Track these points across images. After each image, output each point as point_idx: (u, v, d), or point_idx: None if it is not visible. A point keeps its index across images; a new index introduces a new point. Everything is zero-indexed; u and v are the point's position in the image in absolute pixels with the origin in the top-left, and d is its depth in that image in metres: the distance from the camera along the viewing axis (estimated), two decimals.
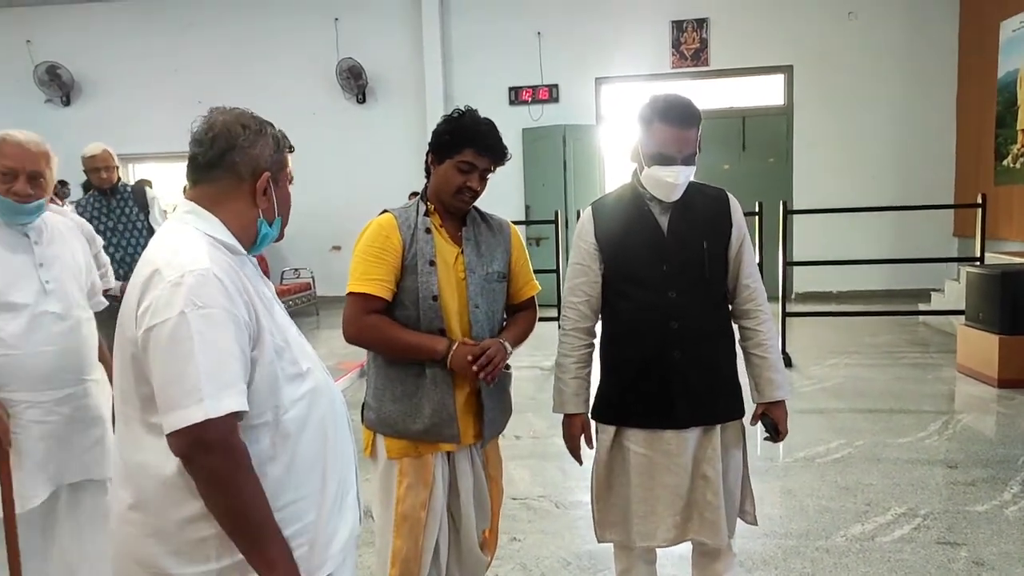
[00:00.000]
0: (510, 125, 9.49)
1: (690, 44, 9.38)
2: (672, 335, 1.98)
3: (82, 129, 8.53)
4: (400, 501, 1.97)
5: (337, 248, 9.76)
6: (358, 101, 10.06)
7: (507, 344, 1.98)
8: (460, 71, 9.83)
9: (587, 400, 2.10)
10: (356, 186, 9.70)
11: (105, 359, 2.28)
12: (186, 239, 1.30)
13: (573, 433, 2.10)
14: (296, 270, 9.95)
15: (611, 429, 2.06)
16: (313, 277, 9.72)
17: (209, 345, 1.19)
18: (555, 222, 6.53)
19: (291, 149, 1.45)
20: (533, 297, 2.18)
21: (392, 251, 1.93)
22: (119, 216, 4.11)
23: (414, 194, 2.26)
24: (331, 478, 1.41)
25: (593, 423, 2.12)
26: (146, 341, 1.20)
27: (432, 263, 1.94)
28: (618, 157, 9.69)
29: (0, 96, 10.61)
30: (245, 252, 1.39)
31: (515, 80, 9.76)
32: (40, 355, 2.08)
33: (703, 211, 2.04)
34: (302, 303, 9.34)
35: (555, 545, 3.07)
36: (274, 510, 1.26)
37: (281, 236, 1.48)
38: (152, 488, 1.25)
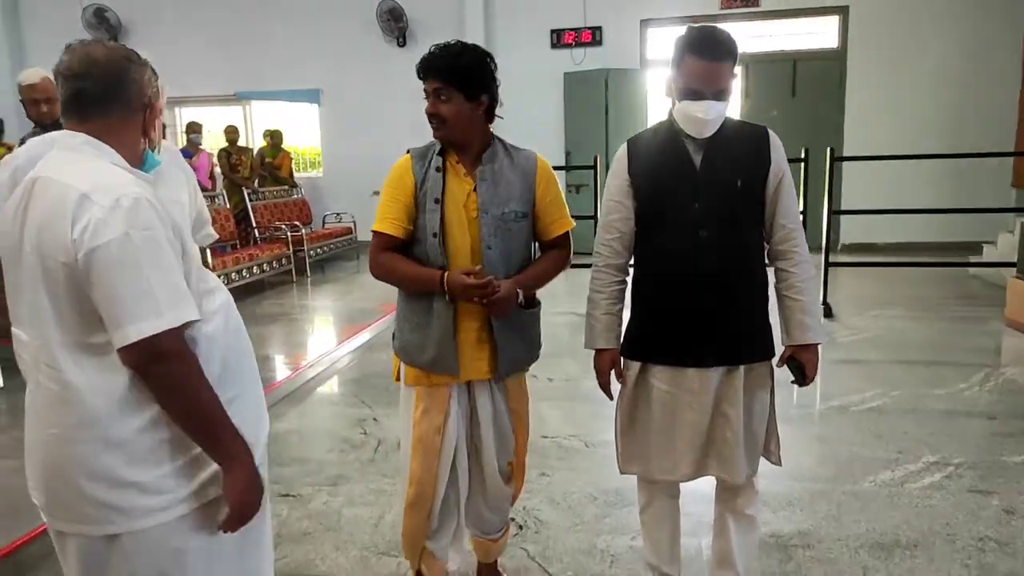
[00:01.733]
0: (551, 69, 9.35)
1: None
2: (701, 275, 1.96)
3: None
4: (416, 425, 2.06)
5: (378, 193, 9.77)
6: (399, 44, 9.97)
7: (517, 289, 1.95)
8: (502, 13, 9.64)
9: (618, 336, 2.10)
10: (397, 130, 9.62)
11: None
12: (99, 166, 1.31)
13: (603, 368, 2.11)
14: (338, 214, 10.07)
15: (636, 365, 2.08)
16: (354, 221, 9.83)
17: (158, 261, 1.26)
18: (594, 167, 6.45)
19: (156, 77, 1.47)
20: (567, 234, 2.12)
21: (404, 190, 1.99)
22: None
23: None
24: (255, 379, 1.53)
25: (621, 359, 2.14)
26: (89, 261, 1.22)
27: (437, 201, 1.96)
28: (661, 102, 9.46)
29: (48, 37, 10.80)
30: (151, 177, 1.42)
31: (557, 22, 9.54)
32: None
33: (740, 148, 1.98)
34: (343, 247, 9.49)
35: (583, 481, 3.14)
36: None
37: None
38: (103, 404, 1.29)
